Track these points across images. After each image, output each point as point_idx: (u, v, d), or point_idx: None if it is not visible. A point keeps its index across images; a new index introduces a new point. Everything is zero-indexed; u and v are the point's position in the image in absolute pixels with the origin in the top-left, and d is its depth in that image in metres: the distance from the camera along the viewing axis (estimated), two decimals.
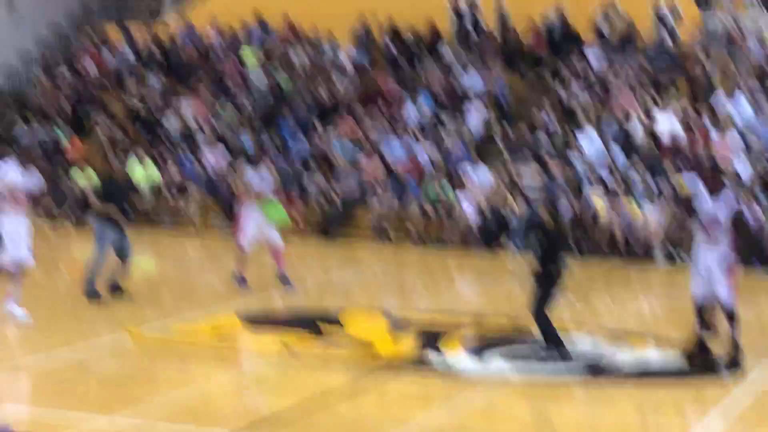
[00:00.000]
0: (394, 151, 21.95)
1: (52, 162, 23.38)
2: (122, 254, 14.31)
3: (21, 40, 27.63)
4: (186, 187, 22.20)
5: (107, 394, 9.93)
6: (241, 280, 15.07)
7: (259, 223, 15.04)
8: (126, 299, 14.00)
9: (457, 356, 11.57)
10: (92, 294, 13.99)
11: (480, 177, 20.56)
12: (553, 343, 11.57)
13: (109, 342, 11.86)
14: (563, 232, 12.20)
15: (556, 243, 11.77)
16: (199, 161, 22.68)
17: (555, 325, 11.66)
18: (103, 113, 24.74)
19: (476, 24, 25.14)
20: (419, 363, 11.34)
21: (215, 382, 10.64)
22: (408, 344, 12.09)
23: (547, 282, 11.59)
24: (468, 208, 20.04)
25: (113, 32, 27.53)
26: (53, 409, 9.36)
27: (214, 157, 22.58)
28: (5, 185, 12.88)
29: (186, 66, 25.98)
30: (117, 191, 14.51)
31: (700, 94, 21.49)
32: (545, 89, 23.09)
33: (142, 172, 22.41)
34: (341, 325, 12.91)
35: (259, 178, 15.30)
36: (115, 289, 14.23)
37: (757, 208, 18.30)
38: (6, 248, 12.77)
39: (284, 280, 15.08)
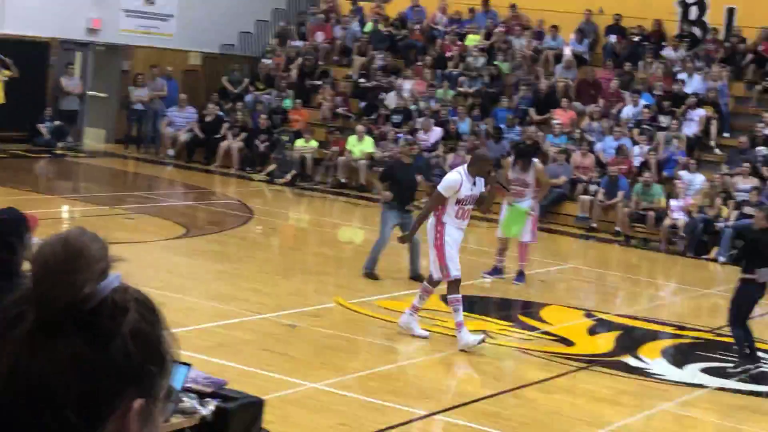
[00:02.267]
0: (607, 147, 21.59)
1: (276, 128, 24.03)
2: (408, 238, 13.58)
3: (259, 10, 28.43)
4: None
5: (312, 361, 10.12)
6: (495, 271, 14.91)
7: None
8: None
9: (655, 363, 11.32)
10: (370, 275, 13.68)
11: (694, 182, 20.00)
12: (743, 357, 11.22)
13: (316, 309, 12.09)
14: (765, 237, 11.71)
15: (764, 251, 11.36)
16: (415, 139, 22.82)
17: (753, 339, 11.29)
18: (328, 85, 25.20)
19: (703, 27, 24.42)
20: (616, 366, 11.15)
21: (414, 361, 10.73)
22: (607, 346, 11.90)
23: (748, 292, 11.20)
24: (678, 213, 19.54)
25: (346, 8, 27.97)
26: (261, 369, 9.59)
27: (429, 138, 22.72)
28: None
29: (410, 45, 26.18)
30: (402, 175, 13.88)
31: None
32: None
33: (359, 146, 22.78)
34: (542, 320, 12.82)
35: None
36: (417, 278, 13.46)
37: None
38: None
39: (519, 275, 14.73)
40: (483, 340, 10.87)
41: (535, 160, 14.88)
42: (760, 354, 11.46)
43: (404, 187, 13.75)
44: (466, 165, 11.25)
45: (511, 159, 15.17)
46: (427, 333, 11.25)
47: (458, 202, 10.86)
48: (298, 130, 23.82)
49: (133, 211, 17.68)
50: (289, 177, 22.70)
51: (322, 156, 23.26)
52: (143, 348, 1.55)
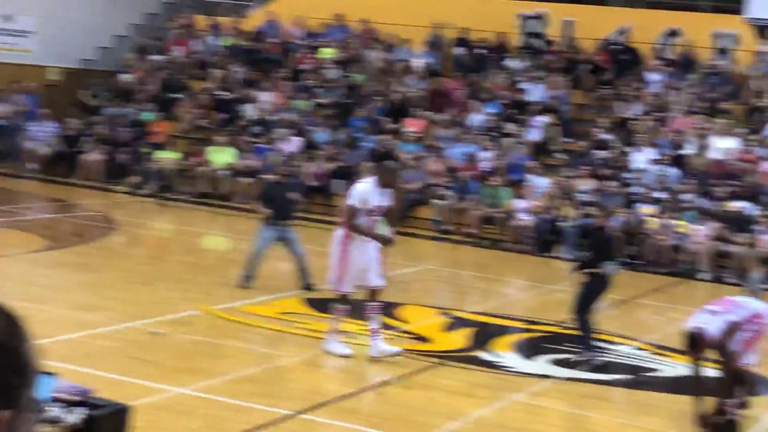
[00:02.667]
0: (457, 153, 21.91)
1: (138, 141, 23.67)
2: (292, 251, 13.91)
3: (117, 26, 27.96)
4: (260, 173, 22.31)
5: (178, 366, 9.99)
6: None
7: None
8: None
9: (506, 356, 11.52)
10: (242, 284, 13.64)
11: (538, 185, 20.45)
12: (586, 346, 11.54)
13: (180, 317, 11.93)
14: (614, 239, 12.10)
15: (606, 248, 11.70)
16: (273, 149, 22.77)
17: (596, 330, 11.62)
18: (188, 98, 24.92)
19: (544, 39, 24.99)
20: (470, 360, 11.31)
21: (279, 364, 10.68)
22: (461, 342, 12.06)
23: (592, 286, 11.52)
24: (525, 214, 19.94)
25: (202, 23, 27.71)
26: (127, 377, 9.43)
27: (287, 147, 22.68)
28: None
29: (267, 58, 26.09)
30: (278, 194, 13.98)
31: (755, 122, 21.18)
32: (606, 106, 22.92)
33: (220, 157, 22.61)
34: (399, 319, 12.91)
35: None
36: (310, 288, 13.74)
37: None
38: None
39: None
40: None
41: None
42: (601, 344, 11.77)
43: (281, 206, 13.88)
44: (374, 176, 10.89)
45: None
46: (399, 350, 11.01)
47: (369, 213, 10.63)
48: (160, 142, 23.49)
49: None
50: (151, 188, 22.37)
51: (183, 167, 22.99)
52: (6, 360, 1.51)
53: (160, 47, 27.14)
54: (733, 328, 9.09)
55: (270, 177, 15.43)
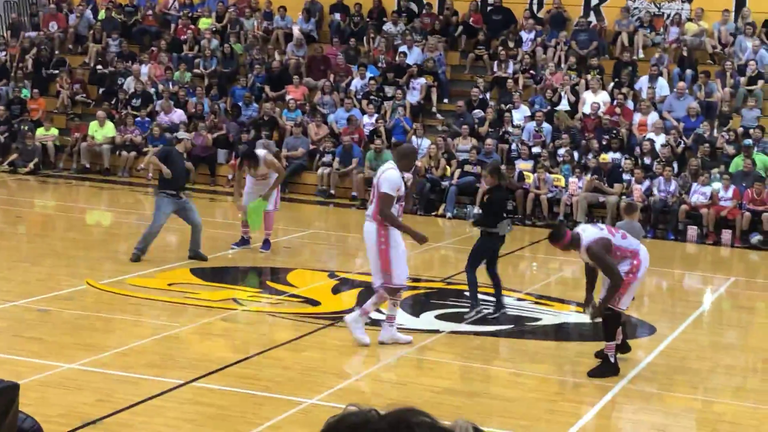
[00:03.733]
0: (340, 118, 21.88)
1: (16, 119, 23.04)
2: (190, 220, 13.62)
3: None
4: (142, 147, 21.97)
5: (67, 342, 9.81)
6: (243, 241, 14.78)
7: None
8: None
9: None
10: (137, 260, 13.32)
11: (420, 146, 20.55)
12: (474, 300, 11.66)
13: (67, 293, 11.70)
14: (507, 195, 12.22)
15: (499, 207, 11.83)
16: (154, 122, 22.43)
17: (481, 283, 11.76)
18: (65, 74, 24.32)
19: (419, 3, 25.04)
20: None
21: (168, 334, 10.56)
22: (350, 302, 12.10)
23: (486, 243, 11.63)
24: (407, 174, 19.99)
25: None
26: (15, 355, 9.22)
27: (169, 119, 22.35)
28: None
29: (144, 30, 25.59)
30: (175, 162, 13.57)
31: (624, 76, 21.61)
32: (482, 66, 23.12)
33: (101, 131, 22.18)
34: (289, 284, 12.89)
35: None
36: (199, 256, 13.61)
37: (672, 180, 18.53)
38: None
39: (265, 243, 14.69)
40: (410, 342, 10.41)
41: (261, 153, 14.58)
42: (485, 297, 11.92)
43: (179, 175, 13.55)
44: (394, 161, 10.20)
45: (236, 162, 15.09)
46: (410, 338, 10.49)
47: (398, 200, 10.04)
48: (38, 119, 22.91)
49: None
50: (31, 166, 21.83)
51: (64, 143, 22.48)
52: None
53: (34, 23, 26.38)
54: (607, 245, 9.41)
55: (165, 146, 15.02)
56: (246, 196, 14.51)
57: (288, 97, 22.56)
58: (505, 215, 11.88)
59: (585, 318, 10.41)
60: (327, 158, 20.95)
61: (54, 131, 22.49)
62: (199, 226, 13.68)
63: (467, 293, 11.88)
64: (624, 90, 21.01)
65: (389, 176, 9.92)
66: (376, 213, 9.97)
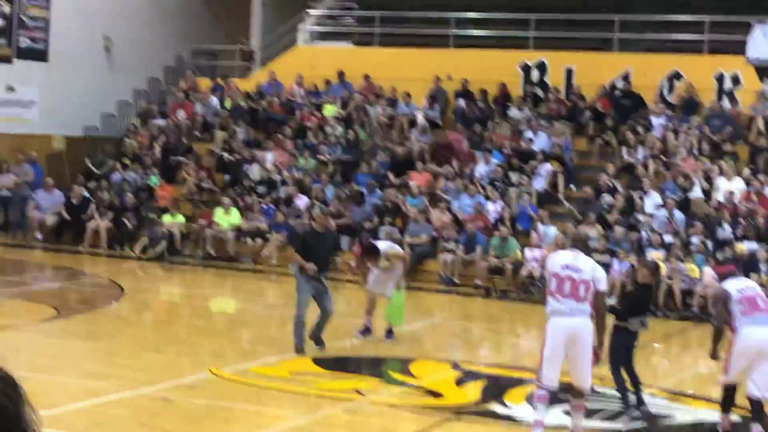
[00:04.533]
0: (464, 205, 21.95)
1: (143, 205, 23.78)
2: (323, 306, 13.46)
3: (120, 92, 28.23)
4: (266, 233, 22.38)
5: (188, 430, 9.94)
6: (366, 330, 14.80)
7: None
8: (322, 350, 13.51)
9: (520, 408, 11.45)
10: (298, 349, 13.19)
11: (548, 234, 20.45)
12: (624, 401, 11.36)
13: (191, 381, 11.90)
14: (648, 290, 11.98)
15: (643, 303, 11.66)
16: (279, 209, 22.85)
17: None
18: (192, 161, 25.05)
19: (545, 87, 25.13)
20: (485, 414, 11.24)
21: (289, 424, 10.62)
22: (474, 395, 11.99)
23: (624, 338, 11.39)
24: (534, 264, 19.92)
25: (204, 85, 27.91)
26: None
27: (294, 206, 22.76)
28: None
29: (270, 118, 26.25)
30: (318, 244, 13.41)
31: (760, 162, 21.21)
32: (610, 152, 22.98)
33: (226, 218, 22.69)
34: (411, 375, 12.87)
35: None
36: (318, 342, 13.53)
37: None
38: None
39: (388, 333, 14.69)
40: None
41: (383, 248, 14.70)
42: (615, 394, 11.64)
43: (320, 257, 13.36)
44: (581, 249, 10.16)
45: (359, 251, 15.16)
46: None
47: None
48: (165, 206, 23.59)
49: (2, 296, 17.17)
50: (158, 252, 22.42)
51: (189, 230, 23.05)
52: (3, 423, 1.52)
53: (163, 111, 27.33)
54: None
55: (304, 226, 14.86)
56: (373, 283, 14.60)
57: (411, 183, 22.76)
58: (643, 312, 11.65)
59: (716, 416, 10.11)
60: (450, 245, 20.98)
61: (180, 218, 23.09)
62: (330, 315, 13.54)
63: (609, 389, 11.60)
64: (761, 177, 20.58)
65: (600, 270, 10.06)
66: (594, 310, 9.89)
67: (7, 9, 25.63)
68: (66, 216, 23.86)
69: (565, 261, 9.93)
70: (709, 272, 18.52)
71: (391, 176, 23.35)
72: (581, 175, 22.89)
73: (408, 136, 24.58)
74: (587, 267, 9.91)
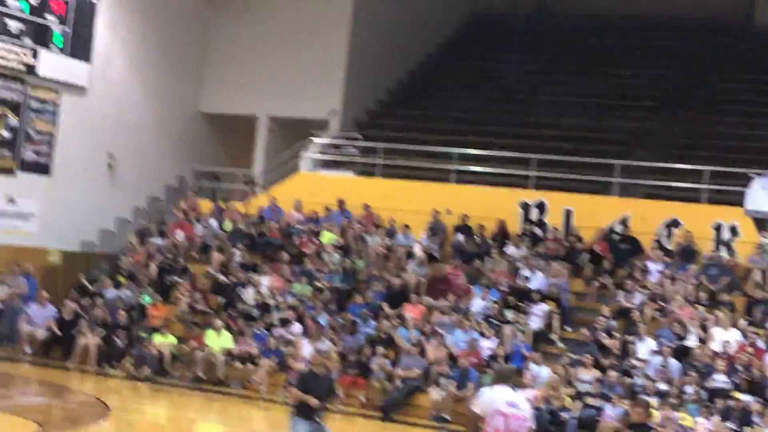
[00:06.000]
0: (458, 340, 21.95)
1: (135, 324, 23.76)
2: None
3: (120, 209, 28.51)
4: (257, 358, 22.32)
5: None
6: None
7: None
8: None
9: None
10: None
11: (539, 374, 20.41)
12: None
13: None
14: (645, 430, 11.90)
15: None
16: (272, 334, 22.83)
17: None
18: (187, 281, 25.12)
19: (544, 227, 25.39)
20: None
21: None
22: None
23: None
24: (525, 403, 19.79)
25: (205, 207, 28.18)
26: None
27: (286, 332, 22.76)
28: None
29: (268, 242, 26.42)
30: (317, 383, 13.12)
31: (756, 314, 21.30)
32: (607, 295, 23.10)
33: (218, 341, 22.66)
34: None
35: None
36: None
37: None
38: None
39: None
40: None
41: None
42: None
43: (318, 398, 12.97)
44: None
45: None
46: None
47: None
48: (157, 326, 23.56)
49: None
50: (146, 372, 22.31)
51: (180, 351, 22.99)
52: None
53: (161, 230, 27.53)
54: None
55: (307, 367, 14.67)
56: None
57: (406, 315, 22.79)
58: None
59: None
60: (443, 381, 20.91)
61: (172, 339, 23.05)
62: None
63: None
64: (756, 329, 20.66)
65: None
66: None
67: (14, 121, 26.07)
68: (57, 331, 23.82)
69: (508, 397, 9.79)
70: (702, 422, 18.45)
71: (386, 307, 23.41)
72: (577, 316, 22.96)
73: (405, 267, 24.73)
74: (525, 404, 9.85)
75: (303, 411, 12.98)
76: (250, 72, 31.02)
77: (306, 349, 21.69)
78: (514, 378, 10.45)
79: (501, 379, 10.05)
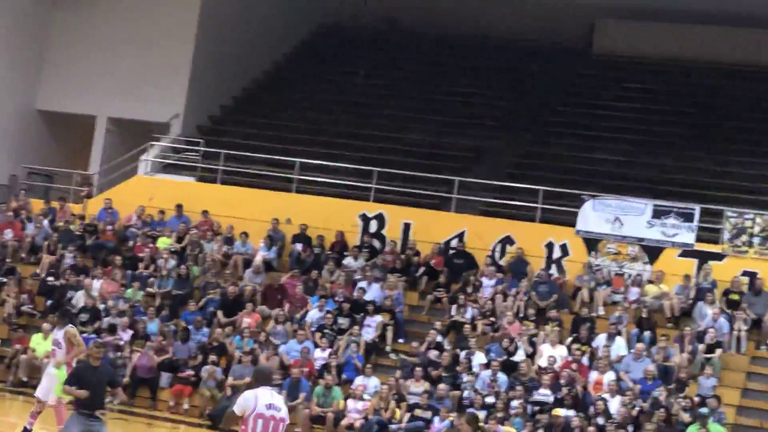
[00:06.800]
0: (291, 349, 21.91)
1: None
2: None
3: None
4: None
5: None
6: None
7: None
8: None
9: None
10: None
11: (370, 386, 20.56)
12: None
13: None
14: None
15: None
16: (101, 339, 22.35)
17: None
18: (14, 283, 24.36)
19: (382, 239, 25.59)
20: None
21: None
22: None
23: None
24: (356, 414, 19.95)
25: (37, 207, 27.41)
26: None
27: (114, 338, 22.32)
28: None
29: (101, 245, 25.86)
30: (93, 378, 12.84)
31: (582, 331, 21.92)
32: (441, 309, 23.43)
33: (43, 345, 22.04)
34: None
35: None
36: None
37: None
38: None
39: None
40: None
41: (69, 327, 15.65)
42: None
43: (94, 392, 12.76)
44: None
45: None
46: None
47: None
48: None
49: None
50: None
51: (3, 354, 22.28)
52: None
53: None
54: None
55: (84, 361, 14.48)
56: None
57: (244, 325, 22.64)
58: None
59: None
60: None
61: None
62: None
63: None
64: (581, 347, 21.27)
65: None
66: None
67: None
68: None
69: (268, 400, 9.57)
70: None
71: (220, 315, 23.20)
72: (410, 329, 23.21)
73: (242, 276, 24.57)
74: (283, 405, 9.71)
75: (80, 406, 12.72)
76: (91, 70, 30.39)
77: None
78: (272, 378, 10.31)
79: (262, 380, 9.84)
